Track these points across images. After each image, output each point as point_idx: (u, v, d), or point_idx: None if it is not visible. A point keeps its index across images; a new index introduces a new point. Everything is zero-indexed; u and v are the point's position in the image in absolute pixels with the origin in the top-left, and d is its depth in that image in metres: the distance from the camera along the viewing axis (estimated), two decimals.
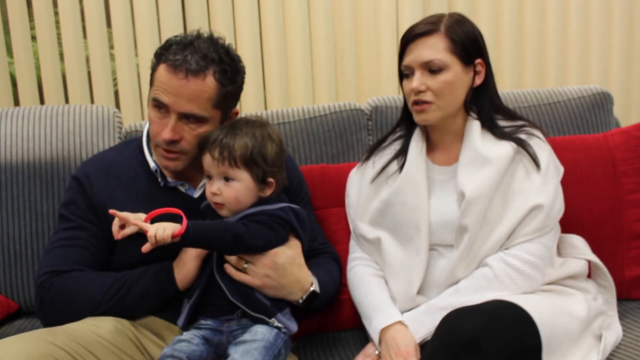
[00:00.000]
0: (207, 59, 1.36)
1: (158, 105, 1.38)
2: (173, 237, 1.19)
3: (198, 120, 1.37)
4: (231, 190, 1.30)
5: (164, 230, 1.19)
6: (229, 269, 1.32)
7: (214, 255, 1.34)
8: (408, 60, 1.45)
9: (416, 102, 1.44)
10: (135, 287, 1.35)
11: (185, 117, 1.37)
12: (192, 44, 1.38)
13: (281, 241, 1.34)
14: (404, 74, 1.48)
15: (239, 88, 1.45)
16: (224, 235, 1.26)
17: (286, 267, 1.33)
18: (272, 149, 1.32)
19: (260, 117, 1.38)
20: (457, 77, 1.43)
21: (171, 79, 1.35)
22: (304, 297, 1.36)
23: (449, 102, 1.44)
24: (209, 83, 1.36)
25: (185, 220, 1.21)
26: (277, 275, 1.32)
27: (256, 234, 1.29)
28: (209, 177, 1.33)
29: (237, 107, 1.51)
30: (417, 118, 1.47)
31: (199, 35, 1.41)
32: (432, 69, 1.41)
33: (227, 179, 1.30)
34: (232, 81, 1.40)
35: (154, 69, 1.41)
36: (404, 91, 1.49)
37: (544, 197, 1.40)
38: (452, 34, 1.42)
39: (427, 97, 1.42)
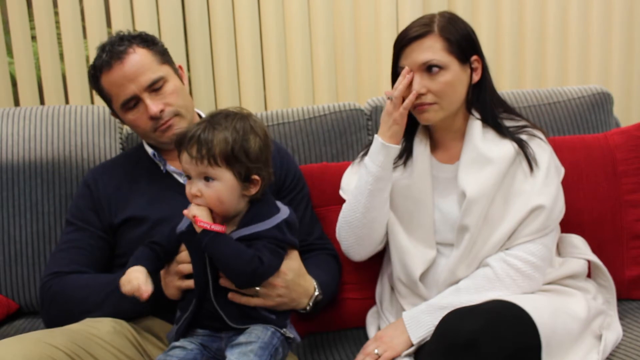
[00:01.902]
0: (124, 39, 1.47)
1: (129, 102, 1.45)
2: (206, 223, 1.15)
3: (159, 81, 1.45)
4: (212, 191, 1.18)
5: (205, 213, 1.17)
6: (237, 297, 1.23)
7: (209, 282, 1.23)
8: (405, 63, 1.43)
9: (417, 105, 1.43)
10: None
11: (152, 87, 1.44)
12: (104, 48, 1.46)
13: (282, 260, 1.28)
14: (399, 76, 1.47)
15: (163, 45, 1.54)
16: (243, 265, 1.17)
17: (295, 281, 1.31)
18: (255, 143, 1.20)
19: (242, 109, 1.25)
20: (456, 76, 1.43)
21: (116, 71, 1.42)
22: (310, 304, 1.35)
23: (450, 101, 1.44)
24: (140, 53, 1.45)
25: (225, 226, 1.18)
26: (289, 292, 1.29)
27: (270, 267, 1.22)
28: (189, 177, 1.21)
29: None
30: (420, 118, 1.46)
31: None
32: (431, 68, 1.40)
33: (207, 178, 1.19)
34: (153, 42, 1.50)
35: (99, 88, 1.48)
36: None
37: (545, 198, 1.40)
38: (446, 34, 1.41)
39: (428, 99, 1.41)
